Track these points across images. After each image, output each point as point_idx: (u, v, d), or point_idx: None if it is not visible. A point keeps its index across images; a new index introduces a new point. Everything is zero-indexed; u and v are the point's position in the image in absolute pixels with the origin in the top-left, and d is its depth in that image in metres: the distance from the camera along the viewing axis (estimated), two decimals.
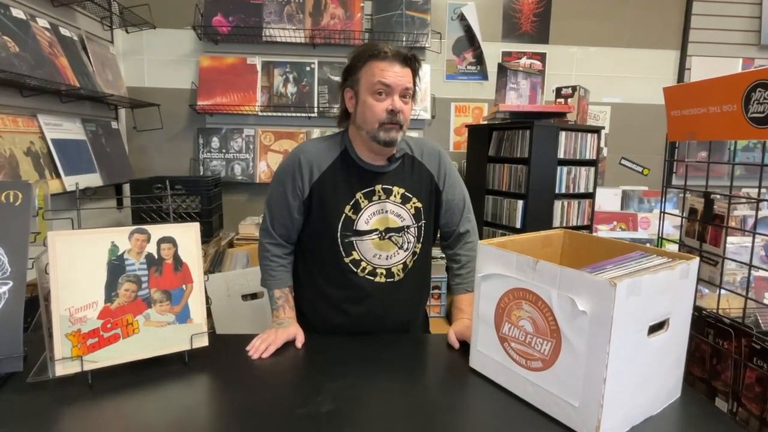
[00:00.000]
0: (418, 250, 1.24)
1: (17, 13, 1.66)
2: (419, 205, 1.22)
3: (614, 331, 0.72)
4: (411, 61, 1.12)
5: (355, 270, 1.19)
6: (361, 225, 1.17)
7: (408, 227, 1.21)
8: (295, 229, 1.23)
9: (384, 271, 1.20)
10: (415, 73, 1.14)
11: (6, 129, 1.60)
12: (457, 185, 1.28)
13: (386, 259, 1.20)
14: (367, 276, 1.19)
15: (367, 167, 1.18)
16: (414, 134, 2.77)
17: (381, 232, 1.18)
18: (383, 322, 1.22)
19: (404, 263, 1.22)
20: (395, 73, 1.09)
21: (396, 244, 1.20)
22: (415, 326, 1.33)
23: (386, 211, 1.18)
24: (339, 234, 1.17)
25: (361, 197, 1.17)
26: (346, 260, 1.18)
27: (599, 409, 0.74)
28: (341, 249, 1.17)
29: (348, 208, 1.16)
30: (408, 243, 1.21)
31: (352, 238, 1.17)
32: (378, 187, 1.18)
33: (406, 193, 1.20)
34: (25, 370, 0.92)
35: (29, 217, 0.96)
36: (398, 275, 1.22)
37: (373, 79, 1.09)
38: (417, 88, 1.17)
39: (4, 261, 0.92)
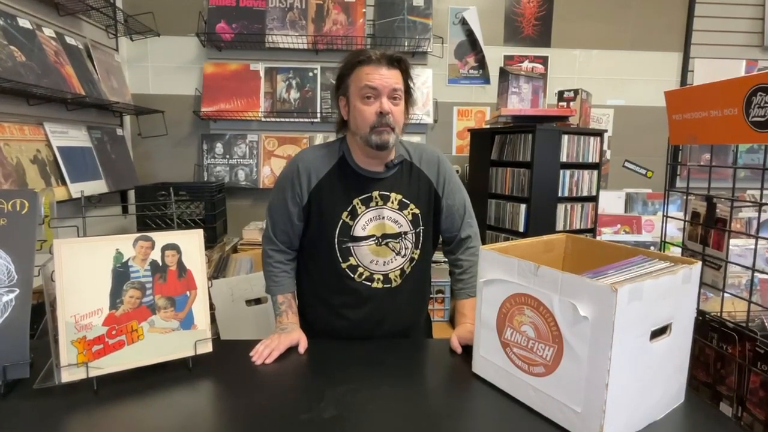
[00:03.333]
0: (416, 256, 1.24)
1: (23, 23, 1.68)
2: (417, 211, 1.22)
3: (616, 337, 0.72)
4: (398, 62, 1.13)
5: (352, 275, 1.19)
6: (358, 231, 1.18)
7: (405, 233, 1.21)
8: (297, 235, 1.24)
9: (381, 277, 1.21)
10: (405, 73, 1.14)
11: (13, 137, 1.62)
12: (457, 191, 1.28)
13: (383, 264, 1.20)
14: (364, 281, 1.20)
15: (365, 173, 1.19)
16: (416, 138, 2.77)
17: (378, 238, 1.19)
18: (382, 327, 1.23)
19: (402, 269, 1.22)
20: (381, 75, 1.09)
21: (393, 250, 1.20)
22: (417, 331, 1.33)
23: (383, 218, 1.19)
24: (336, 240, 1.17)
25: (358, 203, 1.18)
26: (343, 266, 1.19)
27: (602, 415, 0.74)
28: (338, 254, 1.18)
29: (345, 214, 1.17)
30: (405, 249, 1.22)
31: (349, 244, 1.18)
32: (375, 194, 1.18)
33: (403, 200, 1.20)
34: (31, 376, 0.93)
35: (35, 225, 0.97)
36: (395, 281, 1.22)
37: (360, 83, 1.10)
38: (411, 88, 1.18)
39: (11, 269, 0.93)
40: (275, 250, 1.25)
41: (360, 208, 1.18)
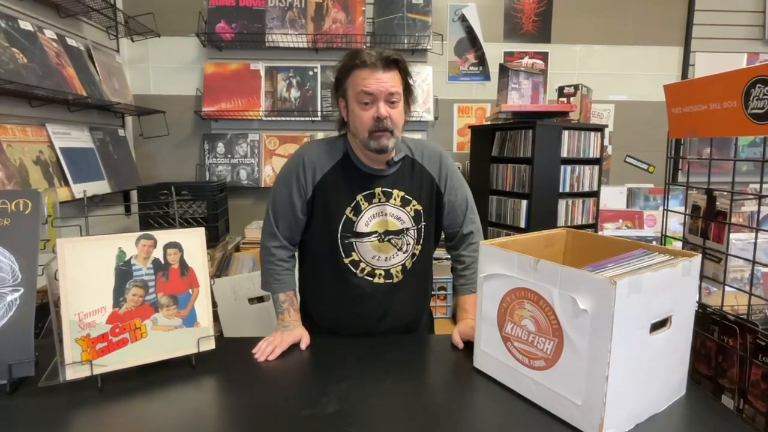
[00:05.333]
0: (417, 252, 1.24)
1: (25, 25, 1.69)
2: (419, 207, 1.22)
3: (615, 329, 0.72)
4: (394, 63, 1.11)
5: (354, 270, 1.20)
6: (361, 227, 1.18)
7: (407, 230, 1.21)
8: (299, 230, 1.24)
9: (383, 272, 1.21)
10: (402, 72, 1.13)
11: (16, 139, 1.63)
12: (459, 187, 1.28)
13: (385, 260, 1.21)
14: (365, 277, 1.20)
15: (367, 170, 1.19)
16: (417, 136, 2.77)
17: (380, 235, 1.19)
18: (384, 323, 1.23)
19: (403, 265, 1.23)
20: (377, 80, 1.08)
21: (395, 246, 1.21)
22: (419, 327, 1.34)
23: (386, 214, 1.19)
24: (339, 235, 1.18)
25: (361, 199, 1.18)
26: (346, 261, 1.19)
27: (602, 407, 0.74)
28: (341, 249, 1.19)
29: (349, 209, 1.18)
30: (407, 245, 1.22)
31: (352, 240, 1.19)
32: (378, 190, 1.19)
33: (405, 196, 1.21)
34: (36, 374, 0.94)
35: (38, 225, 0.98)
36: (397, 276, 1.23)
37: (356, 88, 1.10)
38: (410, 86, 1.17)
39: (15, 268, 0.94)
40: (277, 246, 1.25)
41: (363, 204, 1.18)
